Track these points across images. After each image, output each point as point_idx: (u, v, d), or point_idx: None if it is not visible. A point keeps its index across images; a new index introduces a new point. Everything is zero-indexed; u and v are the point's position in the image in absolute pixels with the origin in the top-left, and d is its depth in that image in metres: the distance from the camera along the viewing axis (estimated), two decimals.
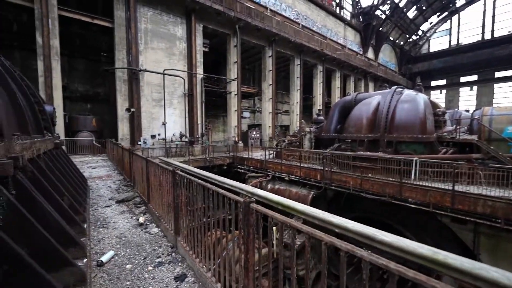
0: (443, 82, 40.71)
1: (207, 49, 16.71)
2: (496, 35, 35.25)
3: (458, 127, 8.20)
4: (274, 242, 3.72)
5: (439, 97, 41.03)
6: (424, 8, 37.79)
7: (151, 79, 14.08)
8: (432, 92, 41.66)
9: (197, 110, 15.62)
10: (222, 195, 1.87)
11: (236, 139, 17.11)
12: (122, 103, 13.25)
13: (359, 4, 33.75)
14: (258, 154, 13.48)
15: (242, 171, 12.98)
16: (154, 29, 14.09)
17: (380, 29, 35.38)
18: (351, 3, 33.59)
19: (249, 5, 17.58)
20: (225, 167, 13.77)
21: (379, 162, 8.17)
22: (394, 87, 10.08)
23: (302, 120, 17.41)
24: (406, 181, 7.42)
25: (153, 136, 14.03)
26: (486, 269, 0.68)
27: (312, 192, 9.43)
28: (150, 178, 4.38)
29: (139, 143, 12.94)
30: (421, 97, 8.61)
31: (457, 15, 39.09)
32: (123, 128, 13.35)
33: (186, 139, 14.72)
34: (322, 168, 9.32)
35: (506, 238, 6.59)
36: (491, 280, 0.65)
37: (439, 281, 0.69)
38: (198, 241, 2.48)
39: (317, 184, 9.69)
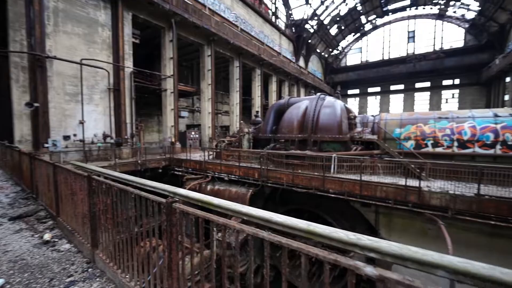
0: (357, 91, 48.94)
1: (138, 41, 15.14)
2: (391, 56, 44.81)
3: (364, 129, 10.08)
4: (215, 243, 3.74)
5: (353, 104, 49.12)
6: (342, 27, 44.53)
7: (64, 69, 11.78)
8: (349, 100, 49.56)
9: (126, 107, 13.96)
10: (145, 198, 1.79)
11: (173, 140, 16.14)
12: (19, 96, 10.60)
13: (291, 16, 37.02)
14: (197, 155, 13.10)
15: (180, 173, 12.37)
16: (67, 9, 11.83)
17: (310, 41, 39.80)
18: (285, 14, 36.52)
19: (186, 0, 16.88)
20: (160, 170, 12.81)
21: (307, 159, 9.22)
22: (318, 94, 11.57)
23: (242, 121, 17.89)
24: (328, 175, 8.64)
25: (66, 137, 11.75)
26: (333, 231, 0.93)
27: (251, 190, 9.83)
28: (59, 187, 3.71)
29: (46, 145, 10.62)
30: (339, 103, 10.19)
31: (366, 37, 47.75)
32: (22, 128, 10.71)
33: (112, 141, 12.95)
34: (259, 166, 9.84)
35: (395, 215, 8.48)
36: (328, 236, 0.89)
37: (314, 247, 0.90)
38: (120, 250, 2.28)
39: (255, 182, 10.17)
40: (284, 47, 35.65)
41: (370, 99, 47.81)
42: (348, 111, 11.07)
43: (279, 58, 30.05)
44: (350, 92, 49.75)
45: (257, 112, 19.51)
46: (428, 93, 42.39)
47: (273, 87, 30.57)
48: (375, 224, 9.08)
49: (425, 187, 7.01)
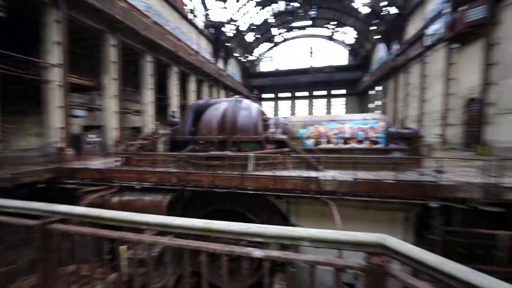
0: (272, 95, 54.08)
1: (3, 14, 11.21)
2: (297, 67, 52.04)
3: (277, 129, 11.29)
4: (124, 263, 3.27)
5: (269, 107, 54.06)
6: (257, 36, 48.13)
7: None
8: (265, 103, 54.18)
9: None
10: (5, 223, 1.38)
11: (62, 145, 12.93)
12: None
13: (209, 17, 36.87)
14: (98, 163, 11.01)
15: (73, 186, 10.04)
16: None
17: (229, 44, 40.84)
18: (203, 13, 35.97)
19: None
20: (42, 185, 10.00)
21: (227, 160, 9.45)
22: (236, 96, 12.07)
23: (157, 122, 16.35)
24: (246, 173, 9.16)
25: None
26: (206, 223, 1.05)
27: (168, 197, 9.16)
28: None
29: None
30: (255, 106, 10.98)
31: (277, 47, 53.48)
32: None
33: None
34: (177, 170, 9.30)
35: (302, 203, 9.90)
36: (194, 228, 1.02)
37: (212, 243, 0.97)
38: None
39: (173, 188, 9.53)
40: (203, 47, 35.08)
41: (282, 103, 53.94)
42: (263, 113, 12.08)
43: (198, 57, 29.34)
44: (265, 96, 54.38)
45: (173, 112, 18.35)
46: (325, 100, 51.84)
47: (192, 86, 29.53)
48: (287, 213, 10.35)
49: (321, 177, 8.57)
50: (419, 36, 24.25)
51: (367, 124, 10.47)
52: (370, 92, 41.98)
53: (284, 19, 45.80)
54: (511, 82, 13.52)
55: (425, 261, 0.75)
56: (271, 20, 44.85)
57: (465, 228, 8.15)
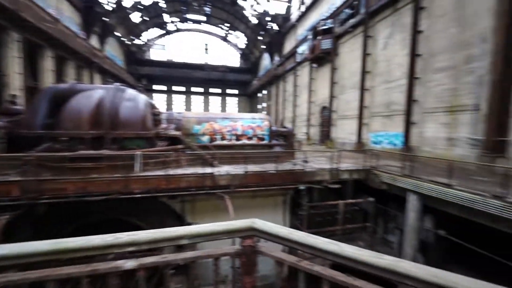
0: (164, 87, 49.58)
1: None
2: (192, 61, 50.47)
3: (169, 125, 10.50)
4: None
5: (161, 100, 49.44)
6: (146, 18, 42.39)
7: None
8: (156, 95, 49.05)
9: None
10: None
11: None
12: None
13: None
14: None
15: None
16: None
17: (107, 19, 33.36)
18: None
19: None
20: None
21: (104, 161, 7.80)
22: (116, 84, 10.14)
23: None
24: (132, 175, 7.96)
25: None
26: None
27: (4, 218, 6.45)
28: None
29: None
30: (142, 97, 9.66)
31: (170, 36, 49.44)
32: None
33: None
34: (22, 178, 6.71)
35: (197, 200, 9.83)
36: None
37: (61, 267, 0.76)
38: None
39: (15, 203, 6.79)
40: (67, 15, 26.79)
41: (176, 97, 50.77)
42: (153, 106, 10.89)
43: (58, 26, 22.10)
44: (157, 87, 49.23)
45: (13, 96, 13.01)
46: (220, 98, 53.46)
47: (47, 64, 21.97)
48: (182, 212, 9.95)
49: (216, 172, 8.85)
50: (293, 53, 29.90)
51: (255, 123, 11.81)
52: (259, 95, 47.55)
53: (178, 8, 42.98)
54: (344, 96, 19.37)
55: (279, 234, 0.95)
56: (162, 4, 40.80)
57: (321, 202, 10.99)
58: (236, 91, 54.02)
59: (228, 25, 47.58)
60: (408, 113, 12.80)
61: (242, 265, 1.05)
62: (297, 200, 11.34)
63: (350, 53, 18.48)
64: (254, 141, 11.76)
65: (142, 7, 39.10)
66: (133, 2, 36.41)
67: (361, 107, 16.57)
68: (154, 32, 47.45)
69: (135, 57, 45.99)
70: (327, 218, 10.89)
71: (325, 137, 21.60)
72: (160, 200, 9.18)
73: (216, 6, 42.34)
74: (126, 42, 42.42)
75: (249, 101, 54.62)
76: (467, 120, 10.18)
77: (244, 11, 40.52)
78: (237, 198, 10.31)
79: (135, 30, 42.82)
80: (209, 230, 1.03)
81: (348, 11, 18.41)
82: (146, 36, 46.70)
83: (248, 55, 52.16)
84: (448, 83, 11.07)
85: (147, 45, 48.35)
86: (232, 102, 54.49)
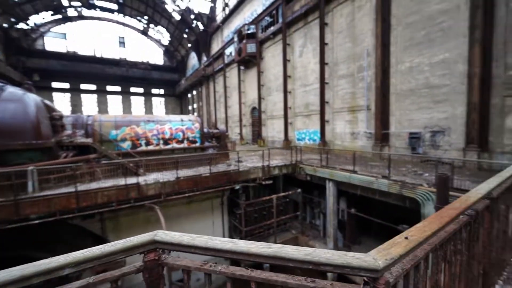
0: (67, 85, 40.62)
1: None
2: (104, 55, 43.35)
3: (76, 131, 8.70)
4: None
5: (63, 100, 40.48)
6: None
7: None
8: (56, 94, 39.80)
9: None
10: None
11: None
12: None
13: None
14: None
15: None
16: None
17: None
18: None
19: None
20: None
21: None
22: None
23: None
24: (24, 197, 6.22)
25: None
26: None
27: None
28: None
29: None
30: (32, 98, 7.62)
31: (71, 23, 40.81)
32: None
33: None
34: None
35: (121, 215, 8.61)
36: None
37: None
38: None
39: None
40: None
41: (86, 97, 42.55)
42: (51, 109, 8.79)
43: None
44: (56, 85, 39.91)
45: None
46: (142, 98, 48.08)
47: None
48: (102, 233, 8.49)
49: (143, 182, 7.96)
50: (221, 53, 30.03)
51: (185, 125, 11.26)
52: (189, 95, 45.42)
53: None
54: (271, 98, 20.90)
55: (182, 242, 0.95)
56: None
57: (256, 199, 11.52)
58: (161, 91, 49.84)
59: (147, 18, 43.27)
60: (322, 112, 15.00)
61: (146, 281, 0.99)
62: (234, 200, 11.52)
63: (273, 58, 20.08)
64: (185, 145, 11.19)
65: None
66: None
67: (286, 107, 18.29)
68: (47, 16, 38.09)
69: (20, 46, 35.77)
70: (263, 213, 11.55)
71: (257, 136, 22.73)
72: (70, 223, 7.56)
73: None
74: (5, 26, 32.48)
75: (178, 102, 51.45)
76: (363, 117, 12.79)
77: (165, 5, 37.78)
78: (171, 207, 9.59)
79: (17, 11, 33.29)
80: (101, 253, 0.92)
81: (268, 19, 19.93)
82: (36, 20, 36.95)
83: (173, 52, 48.97)
84: (348, 88, 13.60)
85: (39, 32, 38.39)
86: (159, 103, 50.00)
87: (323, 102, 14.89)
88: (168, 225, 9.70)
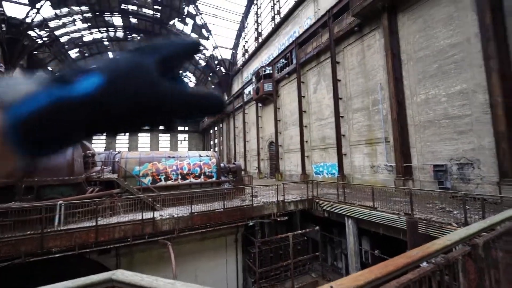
0: None
1: None
2: None
3: (104, 167, 9.53)
4: None
5: (100, 138, 44.78)
6: (86, 54, 40.26)
7: None
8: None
9: None
10: None
11: None
12: None
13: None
14: None
15: None
16: None
17: (35, 52, 30.40)
18: None
19: None
20: None
21: (11, 215, 6.44)
22: None
23: None
24: (50, 230, 6.70)
25: None
26: None
27: None
28: None
29: None
30: None
31: None
32: None
33: None
34: None
35: (135, 251, 8.70)
36: None
37: None
38: None
39: None
40: None
41: (120, 135, 46.69)
42: (85, 147, 9.87)
43: None
44: None
45: None
46: (168, 135, 51.58)
47: None
48: (117, 268, 8.55)
49: (158, 217, 8.18)
50: (240, 93, 32.18)
51: (202, 160, 11.76)
52: (211, 131, 47.90)
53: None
54: (287, 132, 21.26)
55: (141, 284, 0.98)
56: (106, 43, 39.90)
57: (271, 236, 11.01)
58: (186, 128, 53.27)
59: None
60: (338, 145, 14.79)
61: None
62: (249, 238, 11.10)
63: (288, 95, 21.02)
64: (201, 179, 11.52)
65: (81, 43, 37.35)
66: (70, 37, 34.54)
67: (302, 141, 18.38)
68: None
69: None
70: (279, 253, 10.86)
71: (275, 170, 22.63)
72: (87, 257, 7.80)
73: None
74: None
75: (201, 138, 54.21)
76: (382, 150, 12.35)
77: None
78: (184, 243, 9.51)
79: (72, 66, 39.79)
80: None
81: (283, 60, 21.48)
82: None
83: None
84: (364, 121, 13.50)
85: None
86: (183, 139, 53.09)
87: (339, 135, 14.79)
88: (181, 262, 9.52)
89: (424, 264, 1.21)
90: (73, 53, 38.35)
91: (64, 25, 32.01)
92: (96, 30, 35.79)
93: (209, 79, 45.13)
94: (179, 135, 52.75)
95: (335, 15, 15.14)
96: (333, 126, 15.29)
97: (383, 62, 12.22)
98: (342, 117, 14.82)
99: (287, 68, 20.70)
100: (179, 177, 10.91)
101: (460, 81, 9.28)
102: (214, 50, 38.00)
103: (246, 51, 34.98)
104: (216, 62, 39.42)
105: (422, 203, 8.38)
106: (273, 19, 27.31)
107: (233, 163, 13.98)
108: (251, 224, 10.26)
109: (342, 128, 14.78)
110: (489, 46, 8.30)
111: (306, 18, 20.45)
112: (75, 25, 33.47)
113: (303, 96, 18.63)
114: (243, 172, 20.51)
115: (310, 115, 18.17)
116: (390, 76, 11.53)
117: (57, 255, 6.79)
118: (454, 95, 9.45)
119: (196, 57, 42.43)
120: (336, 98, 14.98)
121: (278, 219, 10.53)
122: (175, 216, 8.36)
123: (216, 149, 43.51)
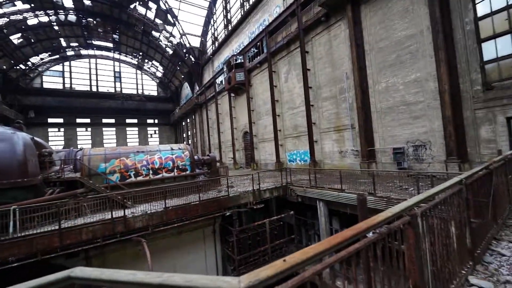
0: (61, 120, 41.20)
1: None
2: (100, 90, 44.75)
3: (64, 166, 8.76)
4: None
5: (58, 135, 40.74)
6: (32, 40, 35.47)
7: None
8: (51, 130, 40.17)
9: None
10: None
11: None
12: None
13: None
14: None
15: None
16: None
17: None
18: None
19: None
20: None
21: None
22: None
23: None
24: (2, 238, 6.07)
25: None
26: None
27: None
28: None
29: None
30: (20, 136, 7.79)
31: (69, 62, 42.71)
32: None
33: None
34: None
35: (107, 251, 8.31)
36: None
37: None
38: None
39: None
40: None
41: (81, 130, 42.96)
42: (40, 146, 8.94)
43: None
44: (52, 120, 40.49)
45: None
46: (137, 129, 48.66)
47: None
48: None
49: (130, 214, 7.86)
50: (212, 83, 31.31)
51: (174, 153, 11.41)
52: (183, 123, 46.22)
53: (78, 32, 38.21)
54: (261, 122, 21.45)
55: (101, 277, 0.96)
56: (56, 28, 35.39)
57: (249, 224, 11.29)
58: (156, 121, 50.69)
59: (142, 54, 45.56)
60: (310, 133, 15.39)
61: None
62: (227, 227, 11.25)
63: (261, 84, 21.03)
64: (175, 173, 11.22)
65: (25, 27, 32.72)
66: (9, 20, 30.02)
67: (275, 130, 18.73)
68: (45, 57, 39.88)
69: (17, 86, 36.87)
70: (257, 239, 11.23)
71: (250, 160, 22.85)
72: (54, 263, 7.26)
73: (127, 34, 40.20)
74: (3, 67, 33.78)
75: (173, 130, 52.09)
76: (349, 136, 13.16)
77: (159, 42, 40.05)
78: (160, 239, 9.32)
79: (17, 53, 34.92)
80: None
81: (254, 49, 21.26)
82: (33, 61, 38.59)
83: (167, 83, 50.80)
84: (332, 109, 14.17)
85: (36, 71, 39.87)
86: (154, 133, 50.51)
87: (310, 124, 15.36)
88: (159, 258, 9.36)
89: (370, 234, 1.39)
90: (15, 39, 33.51)
91: None
92: (42, 12, 31.52)
93: (178, 68, 43.00)
94: (148, 128, 50.06)
95: (303, 4, 15.28)
96: (304, 115, 15.80)
97: (348, 52, 12.79)
98: (312, 105, 15.35)
99: (258, 58, 20.57)
100: (151, 172, 10.49)
101: (415, 70, 10.15)
102: (181, 37, 36.07)
103: (216, 39, 33.82)
104: (184, 51, 37.53)
105: (383, 183, 9.23)
106: (242, 6, 26.62)
107: (208, 155, 13.81)
108: (228, 214, 10.38)
109: (312, 116, 15.35)
110: (438, 38, 9.15)
111: (275, 6, 20.32)
112: (14, 5, 29.07)
113: (275, 86, 18.81)
114: (218, 164, 20.37)
115: (283, 104, 18.49)
116: (354, 66, 12.15)
117: (15, 264, 6.23)
118: (410, 83, 10.33)
119: (163, 44, 39.95)
120: (306, 87, 15.41)
121: (255, 207, 10.80)
122: (148, 212, 8.11)
123: (190, 141, 42.28)
